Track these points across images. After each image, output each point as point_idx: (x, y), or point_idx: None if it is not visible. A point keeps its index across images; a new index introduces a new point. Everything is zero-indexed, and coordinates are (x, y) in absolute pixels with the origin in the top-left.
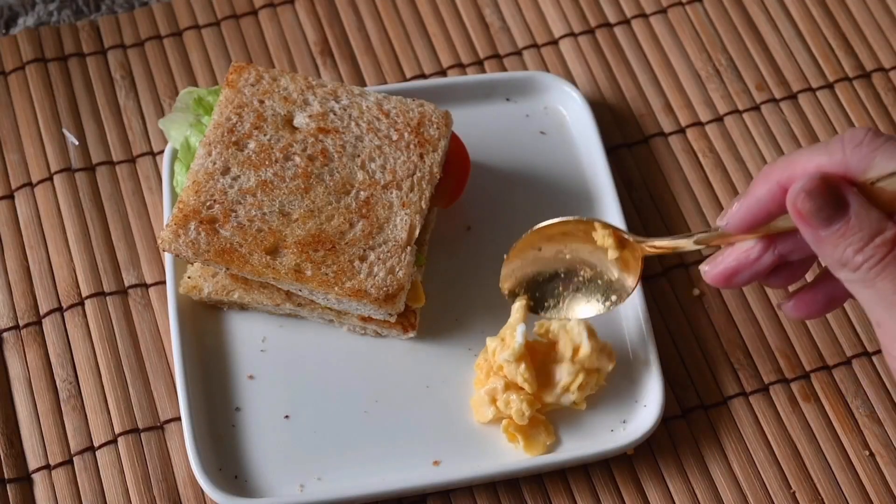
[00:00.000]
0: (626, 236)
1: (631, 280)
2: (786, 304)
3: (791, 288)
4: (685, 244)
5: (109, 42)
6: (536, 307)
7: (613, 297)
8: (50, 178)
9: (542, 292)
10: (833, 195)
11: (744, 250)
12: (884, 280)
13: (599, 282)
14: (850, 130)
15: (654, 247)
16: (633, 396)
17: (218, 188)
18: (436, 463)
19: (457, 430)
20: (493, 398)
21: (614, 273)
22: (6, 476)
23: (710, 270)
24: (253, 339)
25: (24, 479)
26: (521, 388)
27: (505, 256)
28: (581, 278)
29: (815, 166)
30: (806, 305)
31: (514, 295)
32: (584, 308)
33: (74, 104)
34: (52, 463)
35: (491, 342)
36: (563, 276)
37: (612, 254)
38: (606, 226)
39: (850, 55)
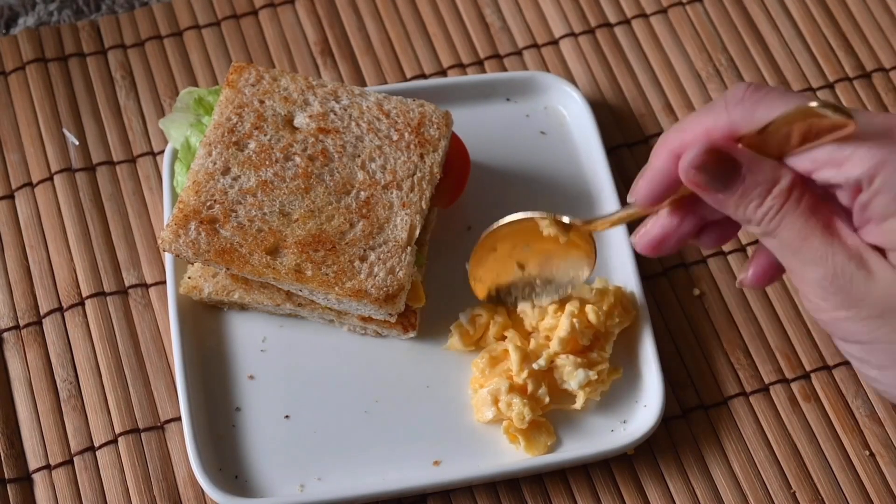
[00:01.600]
0: (566, 221)
1: (588, 256)
2: (745, 279)
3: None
4: (621, 215)
5: (110, 42)
6: (507, 301)
7: (576, 276)
8: (50, 178)
9: (510, 287)
10: (721, 161)
11: (666, 216)
12: (785, 228)
13: (560, 265)
14: (731, 87)
15: (595, 226)
16: (633, 396)
17: (218, 188)
18: (436, 463)
19: (457, 430)
20: (496, 399)
21: (571, 254)
22: (6, 476)
23: (638, 240)
24: (253, 339)
25: (25, 479)
26: (525, 391)
27: (467, 266)
28: (538, 267)
29: (704, 130)
30: (763, 272)
31: (491, 298)
32: (552, 291)
33: (75, 104)
34: (52, 463)
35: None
36: (525, 268)
37: (563, 238)
38: (545, 217)
39: (850, 55)
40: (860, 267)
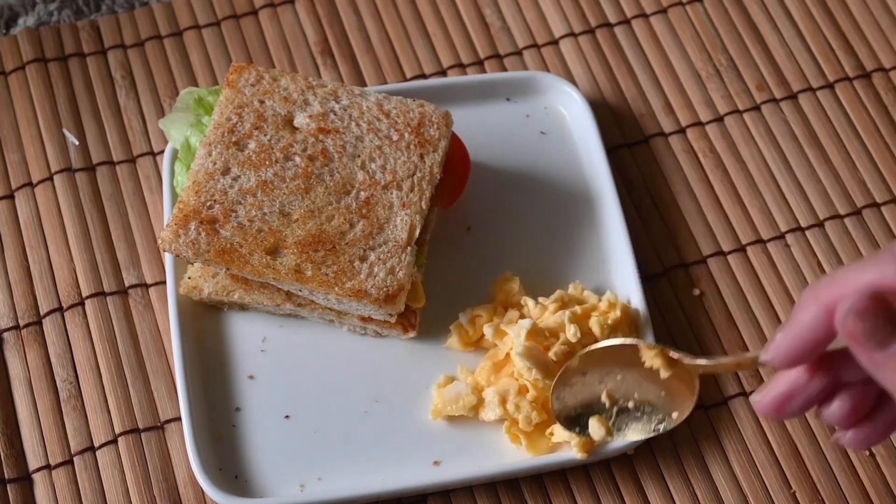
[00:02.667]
0: (673, 356)
1: (688, 400)
2: (843, 436)
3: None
4: (739, 360)
5: (110, 42)
6: (583, 430)
7: (665, 417)
8: (50, 178)
9: (590, 416)
10: (886, 314)
11: (796, 373)
12: None
13: (651, 403)
14: None
15: (705, 367)
16: None
17: (218, 188)
18: (436, 463)
19: (457, 430)
20: (504, 399)
21: (664, 393)
22: (6, 476)
23: (760, 400)
24: (253, 339)
25: (25, 479)
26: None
27: (551, 384)
28: (631, 401)
29: (867, 283)
30: (865, 433)
31: (566, 420)
32: (635, 430)
33: (75, 104)
34: (52, 463)
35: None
36: (611, 399)
37: (665, 373)
38: (653, 348)
39: (850, 55)
40: None
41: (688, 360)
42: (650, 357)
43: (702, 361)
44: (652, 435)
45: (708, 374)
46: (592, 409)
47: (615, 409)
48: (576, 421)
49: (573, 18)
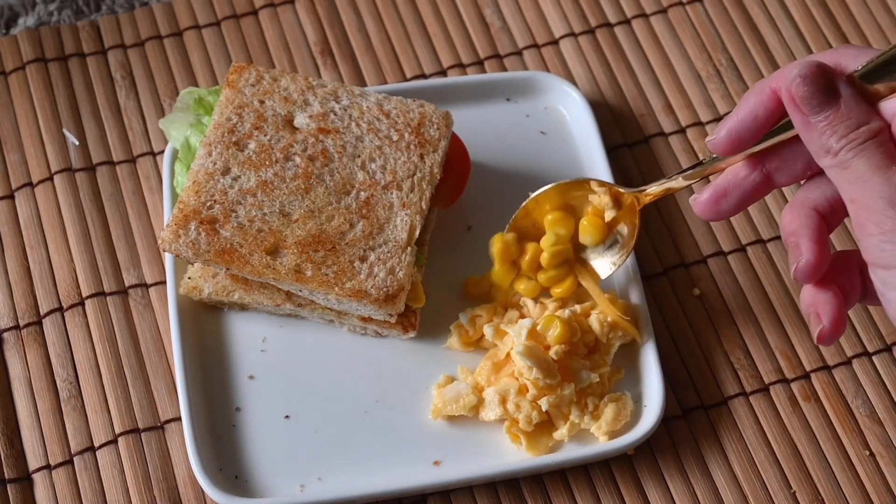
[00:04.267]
0: (622, 190)
1: (628, 237)
2: (698, 198)
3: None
4: (676, 183)
5: (110, 42)
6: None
7: (613, 258)
8: (50, 178)
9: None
10: (827, 83)
11: (732, 171)
12: (859, 159)
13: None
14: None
15: (650, 194)
16: (633, 396)
17: (218, 188)
18: (436, 463)
19: (457, 430)
20: (504, 399)
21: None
22: (6, 476)
23: (699, 197)
24: (253, 339)
25: (25, 479)
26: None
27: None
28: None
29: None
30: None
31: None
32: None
33: (75, 104)
34: (52, 463)
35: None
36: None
37: (609, 214)
38: (603, 183)
39: None
40: None
41: (632, 191)
42: (599, 194)
43: (644, 190)
44: (609, 272)
45: (654, 201)
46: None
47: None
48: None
49: (573, 18)
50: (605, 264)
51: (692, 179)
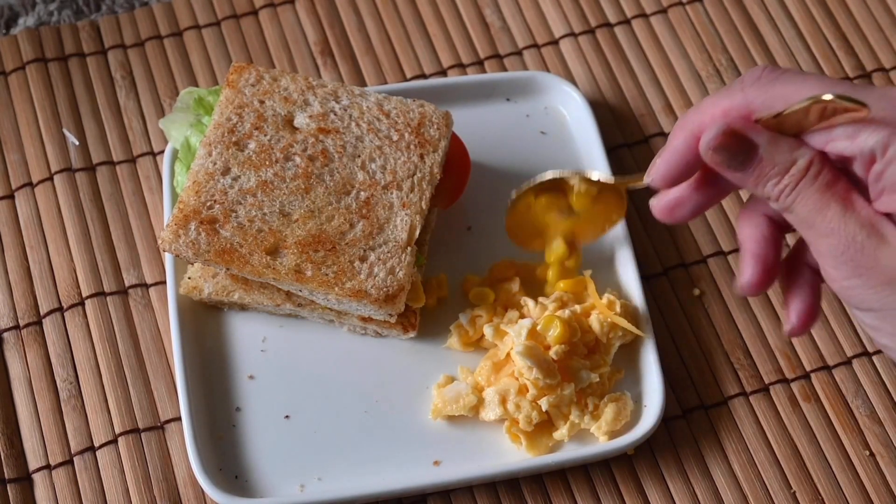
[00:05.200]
0: (594, 178)
1: (619, 210)
2: (656, 204)
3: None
4: (631, 180)
5: (110, 42)
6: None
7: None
8: (50, 178)
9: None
10: (738, 142)
11: (685, 185)
12: (801, 203)
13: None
14: (748, 71)
15: (625, 182)
16: (633, 396)
17: (218, 188)
18: (436, 463)
19: (457, 430)
20: (504, 399)
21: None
22: (6, 476)
23: (656, 203)
24: (253, 339)
25: (25, 479)
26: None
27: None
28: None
29: (721, 110)
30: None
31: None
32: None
33: (75, 104)
34: (52, 463)
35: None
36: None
37: (594, 190)
38: (578, 176)
39: (850, 55)
40: (871, 235)
41: (610, 180)
42: (577, 182)
43: (621, 180)
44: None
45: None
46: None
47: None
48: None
49: (573, 18)
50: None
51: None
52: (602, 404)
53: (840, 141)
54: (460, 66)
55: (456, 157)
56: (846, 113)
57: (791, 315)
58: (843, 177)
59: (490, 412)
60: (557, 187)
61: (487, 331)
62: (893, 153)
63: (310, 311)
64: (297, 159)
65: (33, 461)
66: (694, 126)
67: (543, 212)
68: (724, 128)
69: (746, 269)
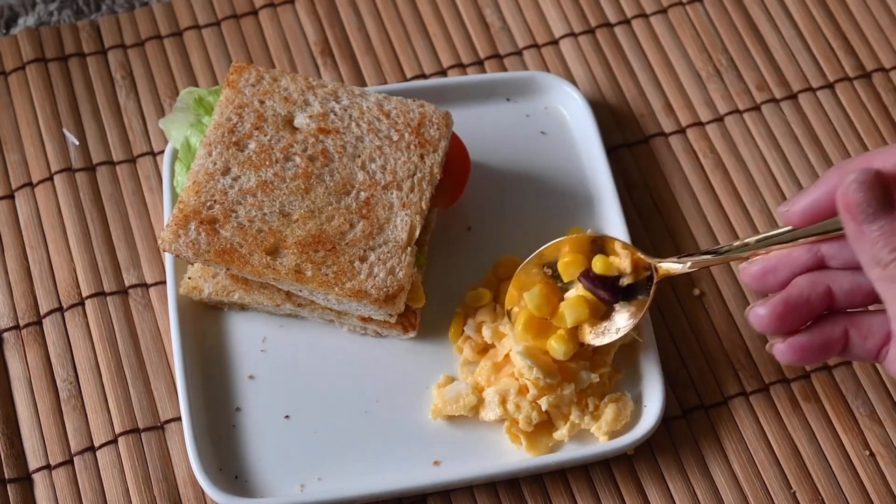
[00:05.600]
0: (642, 257)
1: (643, 303)
2: (777, 345)
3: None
4: (701, 262)
5: (110, 42)
6: None
7: (622, 320)
8: (50, 178)
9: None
10: (882, 192)
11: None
12: None
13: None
14: None
15: (670, 271)
16: (634, 397)
17: (218, 188)
18: (436, 463)
19: (457, 430)
20: (504, 399)
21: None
22: (6, 476)
23: (749, 268)
24: (253, 339)
25: (25, 479)
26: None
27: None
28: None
29: (893, 164)
30: (800, 349)
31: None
32: (595, 336)
33: (75, 104)
34: (52, 463)
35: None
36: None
37: (628, 279)
38: (625, 246)
39: (850, 55)
40: None
41: (654, 260)
42: (621, 254)
43: (667, 261)
44: (616, 337)
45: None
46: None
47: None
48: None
49: (573, 18)
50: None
51: (717, 262)
52: (602, 404)
53: None
54: (460, 66)
55: (456, 157)
56: None
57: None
58: None
59: (490, 412)
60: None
61: (486, 332)
62: None
63: (310, 311)
64: (297, 159)
65: (33, 461)
66: (852, 170)
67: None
68: (877, 171)
69: (773, 306)
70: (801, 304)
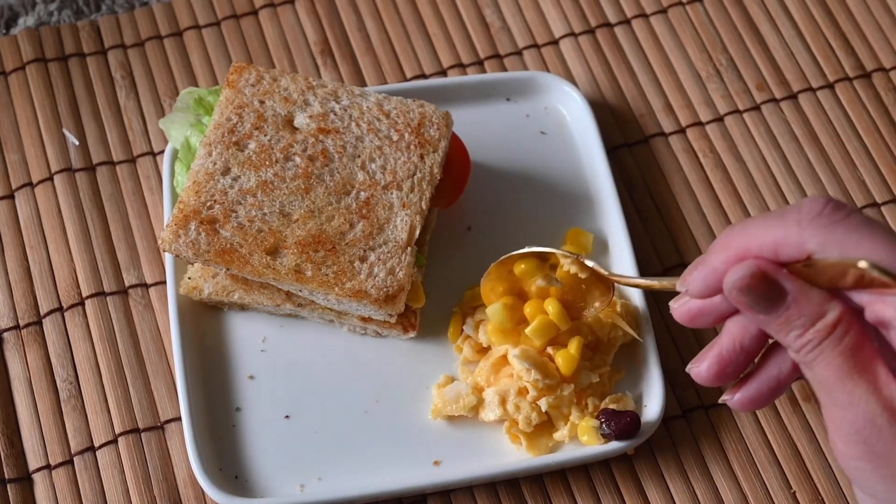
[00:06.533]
0: (589, 265)
1: (604, 296)
2: (730, 398)
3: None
4: (650, 283)
5: (110, 42)
6: None
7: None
8: (50, 178)
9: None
10: (768, 286)
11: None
12: (821, 364)
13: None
14: (809, 200)
15: (618, 280)
16: (634, 397)
17: (218, 188)
18: (436, 463)
19: (457, 430)
20: (504, 399)
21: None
22: (6, 476)
23: (677, 308)
24: (253, 339)
25: (25, 479)
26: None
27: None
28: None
29: (772, 240)
30: (751, 402)
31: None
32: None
33: (75, 104)
34: (52, 463)
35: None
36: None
37: (582, 275)
38: (568, 255)
39: (850, 55)
40: (893, 422)
41: (604, 272)
42: (568, 264)
43: (616, 277)
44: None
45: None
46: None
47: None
48: None
49: (573, 18)
50: None
51: (656, 289)
52: (602, 405)
53: (880, 305)
54: (460, 66)
55: (456, 157)
56: (882, 287)
57: (736, 390)
58: (872, 343)
59: (490, 413)
60: (544, 257)
61: (482, 334)
62: None
63: (310, 311)
64: (297, 159)
65: (33, 461)
66: (739, 247)
67: (525, 277)
68: (754, 269)
69: (709, 363)
70: (734, 353)
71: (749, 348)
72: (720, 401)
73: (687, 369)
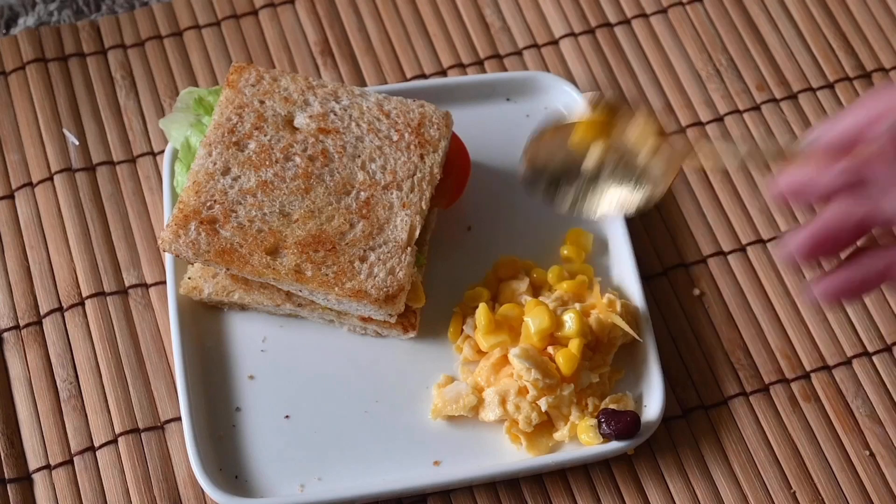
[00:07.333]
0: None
1: (665, 176)
2: (815, 287)
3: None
4: (738, 152)
5: (110, 42)
6: (557, 202)
7: (641, 193)
8: (50, 178)
9: (564, 183)
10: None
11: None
12: None
13: (630, 173)
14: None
15: (694, 154)
16: (634, 397)
17: (218, 188)
18: (436, 463)
19: (457, 430)
20: (504, 399)
21: (649, 163)
22: (6, 476)
23: (786, 177)
24: (253, 339)
25: (25, 479)
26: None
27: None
28: (611, 169)
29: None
30: (838, 287)
31: (530, 182)
32: (608, 201)
33: (75, 104)
34: (52, 463)
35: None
36: (589, 169)
37: (652, 143)
38: (650, 114)
39: (850, 55)
40: None
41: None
42: (643, 124)
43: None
44: (621, 210)
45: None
46: (566, 175)
47: (588, 178)
48: (546, 190)
49: (573, 18)
50: (615, 198)
51: (755, 160)
52: (602, 405)
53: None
54: (460, 66)
55: (456, 157)
56: None
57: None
58: None
59: (490, 413)
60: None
61: (481, 339)
62: None
63: (310, 311)
64: (297, 159)
65: (33, 461)
66: (881, 105)
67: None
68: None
69: (805, 234)
70: (832, 232)
71: (845, 236)
72: (804, 293)
73: (781, 239)
